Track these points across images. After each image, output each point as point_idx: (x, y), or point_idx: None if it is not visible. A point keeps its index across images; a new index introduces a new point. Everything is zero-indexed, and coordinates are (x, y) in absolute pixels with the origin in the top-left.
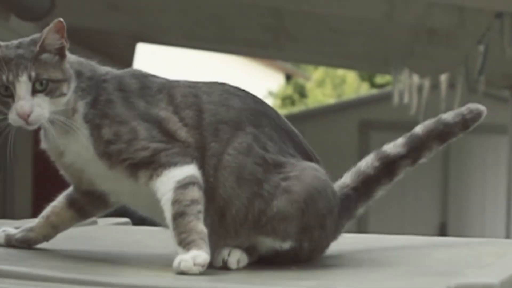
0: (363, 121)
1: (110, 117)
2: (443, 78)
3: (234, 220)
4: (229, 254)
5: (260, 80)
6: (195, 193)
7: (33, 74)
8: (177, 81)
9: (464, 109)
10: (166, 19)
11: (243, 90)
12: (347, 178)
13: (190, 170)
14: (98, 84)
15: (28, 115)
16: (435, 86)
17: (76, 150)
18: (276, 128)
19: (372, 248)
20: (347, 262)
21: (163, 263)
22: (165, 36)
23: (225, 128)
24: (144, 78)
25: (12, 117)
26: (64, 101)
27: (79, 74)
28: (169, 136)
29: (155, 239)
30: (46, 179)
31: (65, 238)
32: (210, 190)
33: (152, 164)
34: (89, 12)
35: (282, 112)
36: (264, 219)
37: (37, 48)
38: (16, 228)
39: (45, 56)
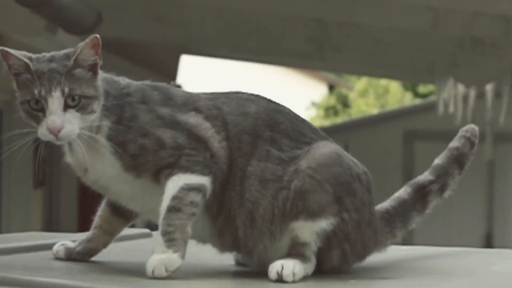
0: (407, 131)
1: (134, 131)
2: (489, 87)
3: (263, 219)
4: (282, 267)
5: (303, 90)
6: (197, 198)
7: (66, 89)
8: (197, 94)
9: (463, 131)
10: (210, 30)
11: (257, 95)
12: (384, 203)
13: (203, 180)
14: (123, 100)
15: (59, 131)
16: (480, 95)
17: (100, 168)
18: (292, 120)
19: (424, 260)
20: (402, 274)
21: (218, 276)
22: (209, 48)
23: (247, 139)
24: (166, 90)
25: (42, 132)
26: (92, 118)
27: (106, 94)
28: (200, 143)
29: (213, 252)
30: (91, 191)
31: (122, 251)
32: (238, 198)
33: (173, 166)
34: (134, 25)
35: (325, 123)
36: (289, 205)
37: (71, 62)
38: (73, 241)
39: (78, 71)
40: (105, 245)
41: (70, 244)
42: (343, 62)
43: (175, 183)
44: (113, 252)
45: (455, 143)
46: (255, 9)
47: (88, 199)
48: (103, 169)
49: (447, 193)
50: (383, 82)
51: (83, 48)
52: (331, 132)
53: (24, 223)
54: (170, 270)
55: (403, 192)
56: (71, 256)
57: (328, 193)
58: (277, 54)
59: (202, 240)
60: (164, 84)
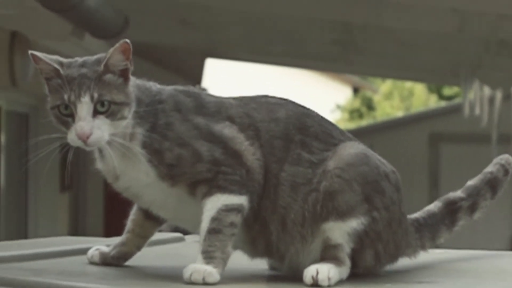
0: (433, 133)
1: (171, 139)
2: None
3: (294, 223)
4: (317, 272)
5: (328, 93)
6: (236, 219)
7: (95, 95)
8: (228, 101)
9: (498, 159)
10: (235, 34)
11: (284, 99)
12: (414, 214)
13: (241, 200)
14: (155, 107)
15: (88, 137)
16: (507, 97)
17: (133, 175)
18: (320, 122)
19: (457, 263)
20: (436, 277)
21: (252, 280)
22: (234, 51)
23: (279, 143)
24: (198, 96)
25: (71, 137)
26: (123, 125)
27: (138, 101)
28: (235, 158)
29: (245, 257)
30: (117, 196)
31: (155, 255)
32: (271, 205)
33: (210, 183)
34: (161, 29)
35: (350, 125)
36: (319, 207)
37: (101, 68)
38: (107, 246)
39: (108, 76)
40: (138, 248)
41: (105, 249)
42: (369, 65)
43: (214, 203)
44: (147, 257)
45: (489, 168)
46: (281, 12)
47: (114, 203)
48: (137, 176)
49: (477, 215)
50: (408, 84)
51: (113, 53)
52: (356, 135)
53: (51, 227)
54: (207, 281)
55: (433, 206)
56: (106, 261)
57: (356, 192)
58: (302, 57)
59: (233, 246)
60: (195, 90)
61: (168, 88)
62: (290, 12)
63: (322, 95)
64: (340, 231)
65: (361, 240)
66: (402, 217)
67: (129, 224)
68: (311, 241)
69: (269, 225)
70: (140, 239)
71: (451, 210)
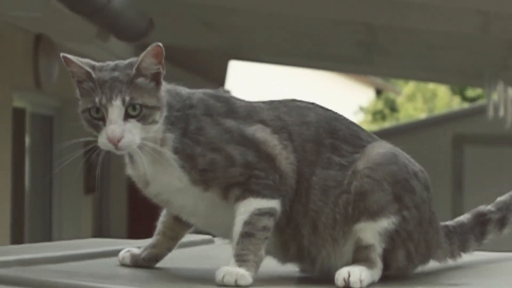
0: (456, 135)
1: (203, 144)
2: None
3: (325, 226)
4: (349, 274)
5: (350, 95)
6: (269, 223)
7: (127, 98)
8: (258, 105)
9: None
10: (258, 36)
11: (312, 103)
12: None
13: (273, 204)
14: (186, 112)
15: (119, 140)
16: None
17: (165, 181)
18: (348, 125)
19: (487, 265)
20: (469, 280)
21: (283, 283)
22: (257, 53)
23: (311, 147)
24: (229, 101)
25: (102, 141)
26: (154, 129)
27: (169, 106)
28: (268, 161)
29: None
30: (141, 198)
31: (186, 257)
32: (302, 209)
33: (243, 187)
34: (185, 32)
35: (373, 127)
36: (350, 208)
37: (133, 71)
38: (138, 247)
39: (140, 80)
40: (169, 250)
41: (136, 251)
42: (392, 67)
43: (246, 207)
44: (177, 259)
45: None
46: (304, 14)
47: (137, 205)
48: (169, 182)
49: (506, 230)
50: (431, 86)
51: (145, 56)
52: (379, 137)
53: (75, 229)
54: (239, 284)
55: (462, 217)
56: (137, 263)
57: (386, 191)
58: (326, 59)
59: (265, 253)
60: (225, 94)
61: (198, 93)
62: (313, 14)
63: (345, 97)
64: (372, 231)
65: (392, 240)
66: (433, 216)
67: (159, 226)
68: (343, 244)
69: (301, 228)
70: (171, 241)
71: (481, 222)
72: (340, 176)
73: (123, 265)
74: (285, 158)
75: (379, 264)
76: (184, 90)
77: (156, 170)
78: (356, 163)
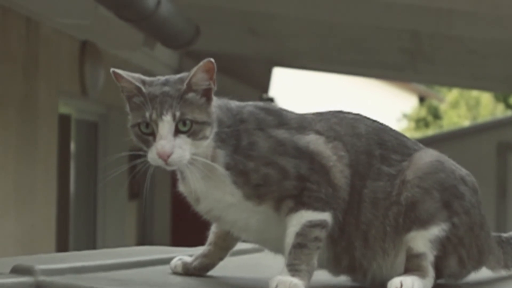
0: (501, 143)
1: (256, 159)
2: None
3: (375, 238)
4: (401, 284)
5: (394, 102)
6: (321, 234)
7: (177, 113)
8: (310, 116)
9: None
10: (302, 43)
11: (359, 114)
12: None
13: (324, 216)
14: (237, 127)
15: (168, 156)
16: None
17: (217, 197)
18: (395, 135)
19: None
20: None
21: None
22: (301, 60)
23: (363, 159)
24: (280, 114)
25: (152, 156)
26: (204, 145)
27: (220, 122)
28: (322, 174)
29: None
30: (185, 205)
31: (237, 266)
32: (354, 221)
33: (296, 199)
34: (230, 38)
35: (416, 134)
36: (401, 219)
37: (184, 86)
38: (190, 256)
39: (191, 95)
40: (221, 259)
41: (187, 259)
42: (436, 74)
43: (298, 219)
44: (228, 267)
45: None
46: (348, 21)
47: (181, 211)
48: (221, 198)
49: None
50: (475, 93)
51: (196, 71)
52: (423, 144)
53: (119, 235)
54: None
55: None
56: (188, 271)
57: (436, 199)
58: (370, 66)
59: (317, 265)
60: (276, 107)
61: (249, 106)
62: (357, 21)
63: (388, 104)
64: (423, 240)
65: (443, 246)
66: (483, 220)
67: (211, 236)
68: (394, 255)
69: (354, 241)
70: (222, 251)
71: None
72: (389, 187)
73: (175, 273)
74: (340, 171)
75: (431, 273)
76: (234, 104)
77: (208, 186)
78: (404, 172)
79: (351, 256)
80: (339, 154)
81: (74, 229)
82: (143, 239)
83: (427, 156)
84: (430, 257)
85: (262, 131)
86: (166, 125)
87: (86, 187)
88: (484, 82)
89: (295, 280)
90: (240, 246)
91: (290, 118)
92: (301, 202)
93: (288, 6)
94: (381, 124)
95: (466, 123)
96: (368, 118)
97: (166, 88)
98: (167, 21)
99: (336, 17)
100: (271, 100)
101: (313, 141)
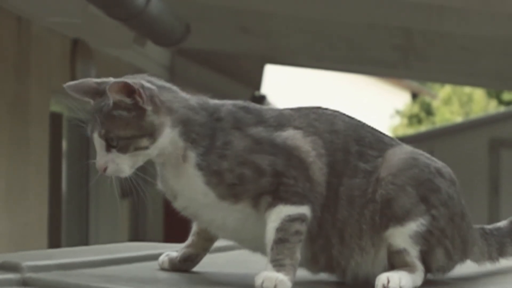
0: (493, 139)
1: (230, 159)
2: None
3: (351, 236)
4: (388, 280)
5: (386, 99)
6: (301, 227)
7: (102, 131)
8: (289, 112)
9: None
10: (294, 40)
11: (337, 111)
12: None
13: (303, 209)
14: (212, 126)
15: (104, 170)
16: None
17: (190, 196)
18: (372, 131)
19: None
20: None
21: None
22: (293, 57)
23: (340, 156)
24: (259, 113)
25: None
26: (147, 153)
27: (186, 122)
28: (299, 169)
29: None
30: None
31: (224, 262)
32: (331, 219)
33: (273, 194)
34: (221, 36)
35: (409, 131)
36: (377, 218)
37: (111, 103)
38: (176, 251)
39: (118, 112)
40: (205, 250)
41: (174, 254)
42: (429, 71)
43: (277, 215)
44: (215, 263)
45: None
46: (340, 18)
47: (173, 209)
48: (195, 197)
49: None
50: (467, 89)
51: (111, 94)
52: (416, 141)
53: (112, 232)
54: None
55: (499, 223)
56: (175, 266)
57: (410, 195)
58: (362, 63)
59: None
60: (256, 106)
61: (227, 105)
62: (349, 18)
63: (381, 100)
64: (402, 236)
65: (427, 240)
66: (464, 210)
67: (194, 226)
68: (375, 252)
69: (331, 239)
70: (205, 242)
71: None
72: (364, 185)
73: (162, 269)
74: (319, 168)
75: (420, 267)
76: (212, 103)
77: (182, 185)
78: (379, 169)
79: (329, 254)
80: (318, 151)
81: (67, 227)
82: (136, 237)
83: (401, 152)
84: (413, 252)
85: (239, 130)
86: (97, 141)
87: (78, 185)
88: (477, 78)
89: (281, 276)
90: (228, 242)
91: (269, 116)
92: (278, 197)
93: (280, 4)
94: (359, 121)
95: (458, 119)
96: (346, 115)
97: (102, 104)
98: (157, 19)
99: (328, 14)
100: (263, 97)
101: (291, 136)
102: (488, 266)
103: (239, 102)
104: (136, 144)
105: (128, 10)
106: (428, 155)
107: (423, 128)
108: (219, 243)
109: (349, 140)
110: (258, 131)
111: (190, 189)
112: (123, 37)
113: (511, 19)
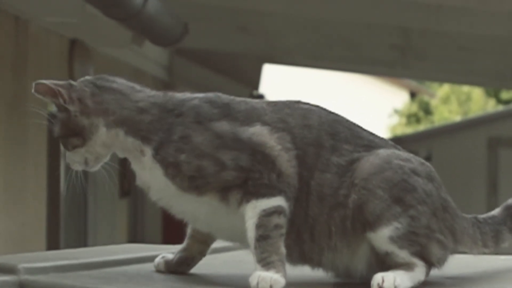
0: (491, 138)
1: (187, 151)
2: None
3: (320, 235)
4: (383, 280)
5: (385, 98)
6: (280, 220)
7: (53, 131)
8: (262, 106)
9: None
10: (293, 39)
11: (316, 105)
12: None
13: (276, 201)
14: (170, 121)
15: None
16: None
17: (156, 187)
18: (351, 126)
19: None
20: (505, 285)
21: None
22: (292, 57)
23: (311, 150)
24: (227, 106)
25: None
26: (83, 152)
27: (129, 123)
28: (265, 163)
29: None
30: None
31: (220, 263)
32: (303, 214)
33: (242, 189)
34: (219, 36)
35: (408, 130)
36: (348, 223)
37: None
38: (172, 253)
39: (59, 113)
40: (201, 253)
41: (170, 256)
42: (427, 70)
43: (253, 210)
44: (211, 265)
45: None
46: (338, 18)
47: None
48: (160, 188)
49: None
50: (465, 88)
51: (36, 94)
52: (414, 140)
53: (110, 233)
54: None
55: (493, 211)
56: (170, 269)
57: (381, 199)
58: (360, 63)
59: None
60: (225, 100)
61: (195, 99)
62: (347, 17)
63: (379, 100)
64: (379, 240)
65: (413, 241)
66: (445, 203)
67: (189, 230)
68: (351, 251)
69: (302, 234)
70: (201, 245)
71: (511, 214)
72: (336, 182)
73: (158, 271)
74: (287, 160)
75: (418, 263)
76: (177, 99)
77: (148, 177)
78: (353, 173)
79: (301, 249)
80: (284, 145)
81: (65, 227)
82: (135, 237)
83: (376, 158)
84: (402, 253)
85: (200, 124)
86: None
87: (76, 186)
88: (475, 77)
89: (275, 275)
90: (223, 243)
91: (238, 110)
92: (248, 192)
93: (278, 3)
94: (337, 116)
95: (457, 118)
96: (325, 110)
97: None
98: (155, 19)
99: (327, 14)
100: (262, 97)
101: (257, 132)
102: (485, 252)
103: (209, 96)
104: (71, 143)
105: (126, 9)
106: (407, 156)
107: (421, 127)
108: (215, 244)
109: (322, 135)
110: (221, 125)
111: (155, 181)
112: (121, 37)
113: (510, 18)
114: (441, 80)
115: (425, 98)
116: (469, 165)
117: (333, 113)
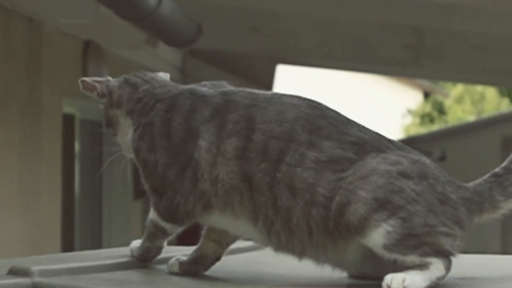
0: (505, 137)
1: (145, 140)
2: None
3: (298, 229)
4: (391, 281)
5: (398, 98)
6: (159, 234)
7: None
8: (235, 103)
9: None
10: (306, 40)
11: (300, 98)
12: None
13: (166, 226)
14: (151, 105)
15: None
16: None
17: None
18: (337, 123)
19: None
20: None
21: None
22: (305, 57)
23: (275, 143)
24: (199, 100)
25: None
26: (119, 139)
27: (131, 113)
28: (190, 182)
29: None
30: None
31: (234, 264)
32: (270, 204)
33: (155, 200)
34: (233, 36)
35: (421, 130)
36: (331, 224)
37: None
38: (186, 255)
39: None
40: (215, 253)
41: (184, 258)
42: (440, 70)
43: (152, 214)
44: (225, 265)
45: None
46: (351, 18)
47: None
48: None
49: None
50: (479, 88)
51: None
52: (428, 140)
53: (125, 234)
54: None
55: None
56: (185, 270)
57: (364, 201)
58: (374, 63)
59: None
60: (206, 92)
61: (183, 89)
62: (361, 17)
63: (393, 100)
64: (376, 249)
65: (415, 242)
66: (442, 196)
67: (204, 229)
68: (339, 249)
69: (275, 223)
70: (215, 244)
71: None
72: (312, 178)
73: (172, 273)
74: (213, 177)
75: (432, 261)
76: (175, 88)
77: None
78: (337, 161)
79: (278, 238)
80: (232, 147)
81: (80, 228)
82: None
83: (362, 168)
84: (408, 258)
85: (167, 113)
86: None
87: (91, 187)
88: (488, 76)
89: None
90: (237, 244)
91: (208, 105)
92: (156, 206)
93: (291, 3)
94: (326, 111)
95: (471, 118)
96: (310, 106)
97: None
98: (169, 20)
99: (339, 14)
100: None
101: (203, 146)
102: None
103: (194, 86)
104: (110, 132)
105: (139, 11)
106: (396, 158)
107: (435, 127)
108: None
109: (297, 129)
110: (179, 123)
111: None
112: (134, 38)
113: None
114: (455, 79)
115: (439, 98)
116: (483, 165)
117: (317, 108)
